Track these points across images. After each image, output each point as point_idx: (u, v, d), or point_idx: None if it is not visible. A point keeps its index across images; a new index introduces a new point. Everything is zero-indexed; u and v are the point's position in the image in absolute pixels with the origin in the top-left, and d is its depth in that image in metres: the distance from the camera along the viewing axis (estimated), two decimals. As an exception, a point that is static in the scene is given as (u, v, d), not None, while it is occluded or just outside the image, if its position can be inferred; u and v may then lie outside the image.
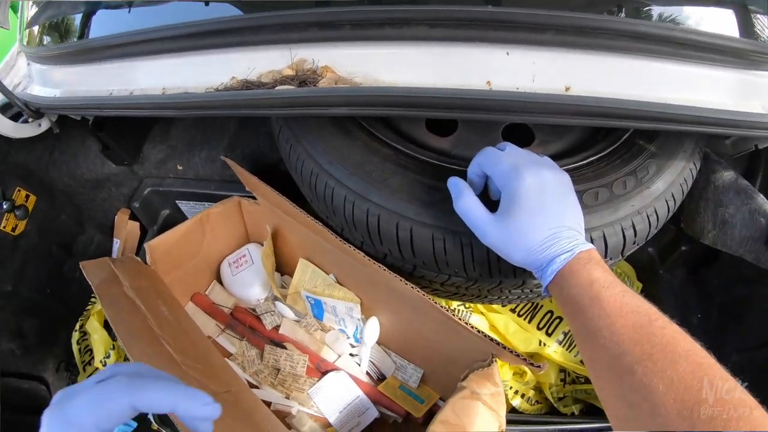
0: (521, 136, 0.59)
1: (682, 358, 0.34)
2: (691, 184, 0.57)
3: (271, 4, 0.52)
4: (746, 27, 0.48)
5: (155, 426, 0.53)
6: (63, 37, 0.74)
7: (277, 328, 0.81)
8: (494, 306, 0.84)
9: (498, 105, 0.45)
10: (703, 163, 0.62)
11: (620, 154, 0.57)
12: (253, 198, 0.82)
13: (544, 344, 0.82)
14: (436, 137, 0.60)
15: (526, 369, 0.83)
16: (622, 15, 0.47)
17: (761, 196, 0.63)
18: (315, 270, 0.76)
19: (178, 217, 1.07)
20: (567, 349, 0.82)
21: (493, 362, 0.53)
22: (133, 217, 1.05)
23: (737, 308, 0.80)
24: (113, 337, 0.89)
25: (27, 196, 0.84)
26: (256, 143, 0.99)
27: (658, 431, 0.32)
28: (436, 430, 0.48)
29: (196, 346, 0.64)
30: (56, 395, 0.32)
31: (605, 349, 0.37)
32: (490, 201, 0.49)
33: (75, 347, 0.92)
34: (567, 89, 0.47)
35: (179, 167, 1.01)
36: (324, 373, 0.76)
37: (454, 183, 0.48)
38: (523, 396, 0.85)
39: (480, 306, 0.85)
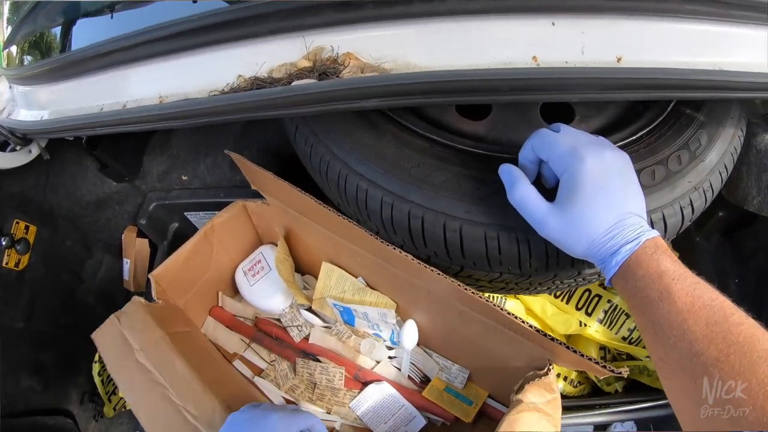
0: (560, 112, 0.53)
1: (763, 360, 0.32)
2: (740, 151, 0.53)
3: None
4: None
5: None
6: (44, 53, 0.68)
7: (306, 338, 0.77)
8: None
9: (549, 84, 0.40)
10: (745, 127, 0.59)
11: (670, 124, 0.52)
12: (261, 198, 0.76)
13: (585, 325, 0.79)
14: (470, 122, 0.53)
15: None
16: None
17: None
18: (341, 274, 0.71)
19: (189, 229, 1.01)
20: (608, 328, 0.79)
21: (550, 369, 0.49)
22: (141, 234, 1.00)
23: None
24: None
25: (27, 228, 0.79)
26: (265, 140, 0.93)
27: None
28: None
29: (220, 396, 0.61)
30: None
31: (676, 349, 0.35)
32: (544, 189, 0.44)
33: (97, 379, 0.89)
34: (618, 60, 0.42)
35: (184, 177, 0.95)
36: (364, 384, 0.72)
37: (507, 171, 0.43)
38: (565, 379, 0.84)
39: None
